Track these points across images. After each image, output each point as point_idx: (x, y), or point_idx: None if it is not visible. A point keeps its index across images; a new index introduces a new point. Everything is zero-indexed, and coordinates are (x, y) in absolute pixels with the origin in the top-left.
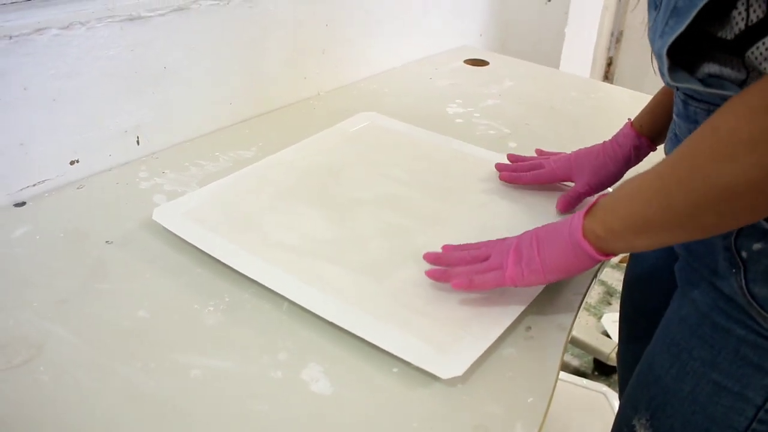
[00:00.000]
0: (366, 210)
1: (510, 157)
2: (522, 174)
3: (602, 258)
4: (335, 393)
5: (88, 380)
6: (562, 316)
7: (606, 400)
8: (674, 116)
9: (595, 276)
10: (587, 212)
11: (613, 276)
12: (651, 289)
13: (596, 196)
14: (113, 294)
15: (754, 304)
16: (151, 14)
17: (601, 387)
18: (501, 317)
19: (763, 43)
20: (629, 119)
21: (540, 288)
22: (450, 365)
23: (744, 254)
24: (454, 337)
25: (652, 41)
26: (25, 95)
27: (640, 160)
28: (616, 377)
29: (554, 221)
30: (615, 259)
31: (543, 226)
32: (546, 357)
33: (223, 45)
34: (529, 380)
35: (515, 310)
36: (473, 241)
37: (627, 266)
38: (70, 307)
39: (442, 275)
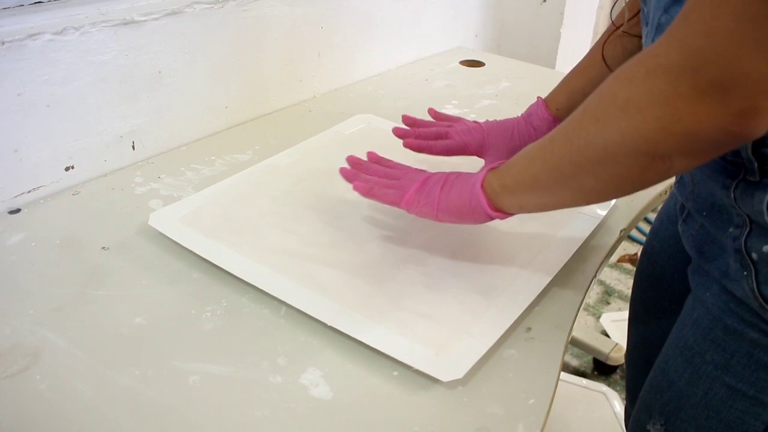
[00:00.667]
0: (362, 213)
1: (406, 120)
2: (431, 143)
3: (493, 214)
4: (335, 398)
5: (86, 388)
6: (562, 317)
7: (606, 399)
8: None
9: (595, 275)
10: (492, 167)
11: (612, 275)
12: (663, 290)
13: None
14: (110, 301)
15: (766, 307)
16: (145, 18)
17: (601, 387)
18: (501, 318)
19: None
20: (540, 98)
21: (540, 287)
22: (450, 368)
23: (754, 256)
24: (454, 339)
25: None
26: (19, 101)
27: None
28: (615, 377)
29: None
30: (613, 258)
31: (459, 172)
32: (547, 357)
33: (218, 49)
34: (530, 381)
35: (515, 312)
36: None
37: (638, 267)
38: (66, 315)
39: (351, 176)
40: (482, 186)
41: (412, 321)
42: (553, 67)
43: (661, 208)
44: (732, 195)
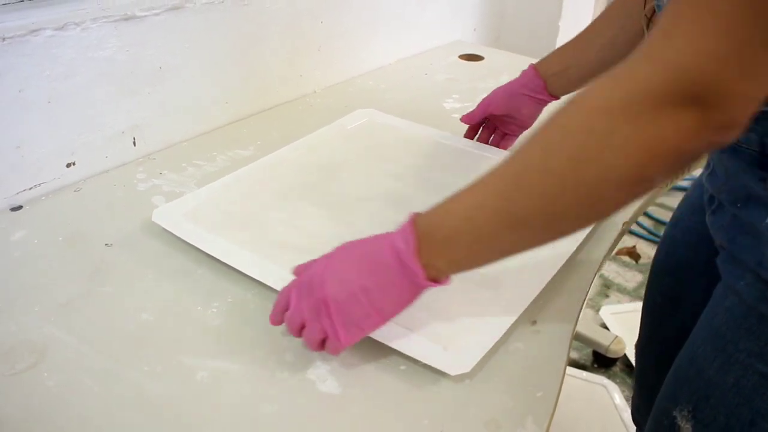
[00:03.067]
0: (367, 208)
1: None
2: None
3: (424, 282)
4: (343, 392)
5: (94, 385)
6: (566, 309)
7: (606, 391)
8: None
9: (599, 268)
10: (418, 248)
11: (611, 268)
12: (683, 280)
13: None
14: (115, 297)
15: None
16: (146, 14)
17: (601, 379)
18: (507, 312)
19: None
20: (536, 69)
21: (545, 281)
22: (458, 362)
23: None
24: (461, 333)
25: None
26: (21, 97)
27: None
28: (615, 369)
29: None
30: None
31: (351, 264)
32: (553, 350)
33: (218, 43)
34: (537, 374)
35: (521, 305)
36: None
37: (656, 256)
38: (72, 311)
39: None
40: (426, 276)
41: (419, 315)
42: None
43: (684, 199)
44: None
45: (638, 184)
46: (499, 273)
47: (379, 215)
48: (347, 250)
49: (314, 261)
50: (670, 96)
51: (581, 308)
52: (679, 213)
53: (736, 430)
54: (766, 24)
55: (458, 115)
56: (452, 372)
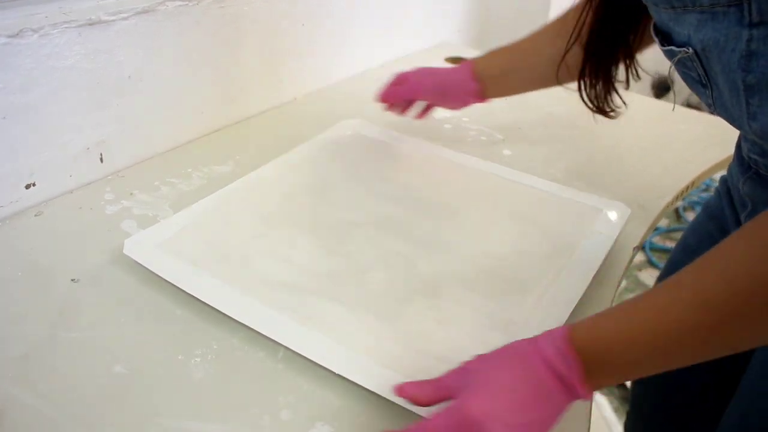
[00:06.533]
0: (361, 234)
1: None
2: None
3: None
4: None
5: None
6: None
7: (596, 406)
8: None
9: (612, 300)
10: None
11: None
12: None
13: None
14: (84, 344)
15: None
16: (113, 18)
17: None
18: None
19: None
20: (472, 71)
21: (561, 322)
22: None
23: None
24: None
25: (732, 119)
26: None
27: None
28: None
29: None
30: None
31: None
32: None
33: (192, 49)
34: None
35: None
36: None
37: (669, 261)
38: (33, 363)
39: None
40: (567, 347)
41: (429, 365)
42: None
43: (704, 205)
44: None
45: None
46: (510, 312)
47: (377, 244)
48: (497, 381)
49: (459, 389)
50: None
51: None
52: (699, 219)
53: None
54: None
55: (450, 126)
56: None
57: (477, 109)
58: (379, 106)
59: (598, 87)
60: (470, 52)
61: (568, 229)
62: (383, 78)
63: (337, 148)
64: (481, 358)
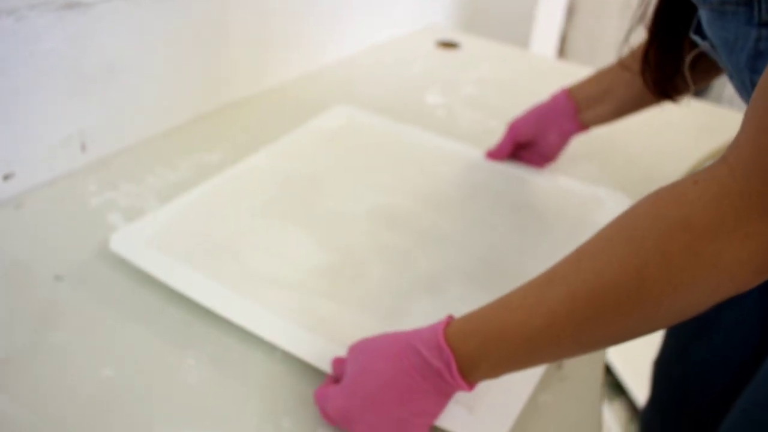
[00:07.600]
0: (357, 227)
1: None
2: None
3: (459, 382)
4: None
5: None
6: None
7: None
8: None
9: None
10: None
11: None
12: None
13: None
14: (69, 347)
15: None
16: (94, 1)
17: None
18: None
19: None
20: (568, 93)
21: None
22: (489, 426)
23: None
24: (483, 391)
25: None
26: None
27: None
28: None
29: None
30: None
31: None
32: (584, 400)
33: (177, 32)
34: (571, 429)
35: None
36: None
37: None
38: (15, 369)
39: None
40: (444, 336)
41: None
42: (526, 42)
43: None
44: None
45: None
46: None
47: (374, 237)
48: (375, 375)
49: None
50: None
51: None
52: None
53: None
54: None
55: (442, 111)
56: None
57: (469, 94)
58: (372, 93)
59: (665, 69)
60: (461, 36)
61: (569, 220)
62: (374, 63)
63: (329, 136)
64: (362, 344)
